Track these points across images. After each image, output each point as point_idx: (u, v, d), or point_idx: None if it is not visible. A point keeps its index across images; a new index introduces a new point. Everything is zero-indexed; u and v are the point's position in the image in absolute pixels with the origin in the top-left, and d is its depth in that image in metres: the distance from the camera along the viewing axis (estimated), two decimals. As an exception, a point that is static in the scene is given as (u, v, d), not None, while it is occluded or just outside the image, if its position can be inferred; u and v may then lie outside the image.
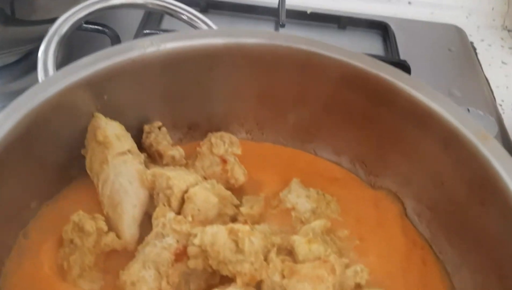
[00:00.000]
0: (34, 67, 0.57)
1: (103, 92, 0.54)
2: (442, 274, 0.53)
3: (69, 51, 0.79)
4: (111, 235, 0.49)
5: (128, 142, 0.54)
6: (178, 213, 0.50)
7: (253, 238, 0.45)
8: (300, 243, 0.48)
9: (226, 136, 0.59)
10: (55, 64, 0.55)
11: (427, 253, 0.55)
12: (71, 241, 0.49)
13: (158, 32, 0.84)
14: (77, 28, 0.62)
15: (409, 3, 1.11)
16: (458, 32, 1.06)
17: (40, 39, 0.59)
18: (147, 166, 0.54)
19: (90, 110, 0.54)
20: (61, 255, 0.49)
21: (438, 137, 0.52)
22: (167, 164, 0.57)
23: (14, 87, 0.78)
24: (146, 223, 0.51)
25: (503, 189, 0.46)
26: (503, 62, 1.01)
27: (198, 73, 0.58)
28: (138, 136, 0.58)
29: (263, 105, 0.62)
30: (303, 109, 0.62)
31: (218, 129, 0.61)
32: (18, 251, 0.49)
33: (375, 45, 0.98)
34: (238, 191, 0.56)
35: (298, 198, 0.57)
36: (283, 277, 0.45)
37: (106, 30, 0.80)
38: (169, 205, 0.50)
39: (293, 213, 0.56)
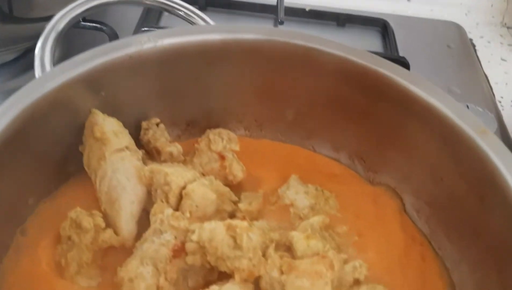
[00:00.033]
0: (32, 65, 0.57)
1: (100, 88, 0.53)
2: (441, 270, 0.53)
3: (67, 49, 0.79)
4: (109, 231, 0.49)
5: (125, 139, 0.54)
6: (176, 209, 0.50)
7: (251, 234, 0.45)
8: (298, 239, 0.48)
9: (224, 132, 0.59)
10: (52, 61, 0.55)
11: (426, 249, 0.55)
12: (69, 238, 0.49)
13: (156, 29, 0.84)
14: (75, 26, 0.62)
15: (408, 0, 1.11)
16: (457, 29, 1.06)
17: (38, 37, 0.59)
18: (145, 163, 0.54)
19: (87, 107, 0.53)
20: (58, 252, 0.49)
21: (437, 132, 0.52)
22: (165, 161, 0.57)
23: (12, 85, 0.78)
24: (144, 220, 0.51)
25: (502, 184, 0.46)
26: (502, 59, 1.01)
27: (196, 69, 0.58)
28: (136, 133, 0.58)
29: (262, 101, 0.62)
30: (302, 105, 0.62)
31: (216, 126, 0.61)
32: (15, 248, 0.49)
33: (374, 43, 0.98)
34: (236, 188, 0.56)
35: (297, 194, 0.56)
36: (282, 273, 0.45)
37: (104, 28, 0.80)
38: (167, 202, 0.50)
39: (291, 209, 0.55)
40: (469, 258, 0.51)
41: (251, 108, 0.63)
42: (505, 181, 0.46)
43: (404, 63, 0.85)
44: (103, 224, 0.49)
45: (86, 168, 0.54)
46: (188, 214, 0.49)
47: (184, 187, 0.50)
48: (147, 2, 0.65)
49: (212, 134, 0.58)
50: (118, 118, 0.55)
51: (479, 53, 1.01)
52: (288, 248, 0.48)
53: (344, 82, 0.57)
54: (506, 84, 0.95)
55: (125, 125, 0.55)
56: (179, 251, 0.46)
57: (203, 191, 0.50)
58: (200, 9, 0.71)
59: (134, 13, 0.91)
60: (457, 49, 1.00)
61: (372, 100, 0.56)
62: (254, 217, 0.53)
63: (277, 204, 0.56)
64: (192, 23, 0.65)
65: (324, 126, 0.62)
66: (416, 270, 0.52)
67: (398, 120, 0.56)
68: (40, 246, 0.49)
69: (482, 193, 0.49)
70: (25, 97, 0.47)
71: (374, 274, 0.49)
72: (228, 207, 0.53)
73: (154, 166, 0.52)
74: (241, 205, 0.53)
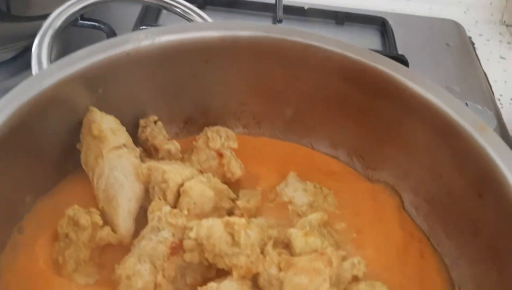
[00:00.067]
0: (30, 64, 0.57)
1: (98, 85, 0.53)
2: (440, 267, 0.53)
3: (65, 48, 0.79)
4: (106, 229, 0.49)
5: (123, 136, 0.54)
6: (174, 206, 0.49)
7: (249, 231, 0.45)
8: (297, 236, 0.48)
9: (223, 130, 0.59)
10: (49, 58, 0.55)
11: (425, 246, 0.55)
12: (66, 236, 0.49)
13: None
14: (73, 24, 0.62)
15: (407, -2, 1.11)
16: (456, 27, 1.05)
17: (36, 35, 0.58)
18: (142, 161, 0.54)
19: (85, 104, 0.53)
20: (56, 249, 0.49)
21: (435, 129, 0.52)
22: (163, 158, 0.57)
23: (10, 84, 0.77)
24: (141, 217, 0.50)
25: (500, 180, 0.46)
26: (501, 57, 1.01)
27: (193, 66, 0.58)
28: (134, 131, 0.58)
29: (260, 99, 0.62)
30: (300, 103, 0.61)
31: (214, 124, 0.60)
32: (12, 246, 0.49)
33: (373, 41, 0.98)
34: (234, 185, 0.56)
35: (295, 191, 0.56)
36: (280, 269, 0.45)
37: (102, 26, 0.80)
38: (165, 199, 0.50)
39: (290, 207, 0.55)
40: (468, 254, 0.51)
41: (249, 106, 0.63)
42: (504, 177, 0.46)
43: (403, 61, 0.84)
44: (100, 222, 0.49)
45: (83, 166, 0.54)
46: (186, 212, 0.49)
47: (182, 185, 0.50)
48: (145, -1, 0.65)
49: (210, 131, 0.58)
50: (116, 116, 0.54)
51: (478, 51, 1.01)
52: (286, 245, 0.48)
53: (342, 79, 0.57)
54: (505, 82, 0.95)
55: (123, 122, 0.55)
56: (177, 249, 0.46)
57: (201, 189, 0.50)
58: (199, 7, 0.70)
59: (133, 12, 0.91)
60: (456, 47, 1.00)
61: (370, 97, 0.56)
62: (252, 214, 0.53)
63: (276, 202, 0.56)
64: (190, 21, 0.65)
65: (322, 123, 0.62)
66: (415, 266, 0.52)
67: (397, 117, 0.55)
68: (37, 243, 0.49)
69: (481, 190, 0.49)
70: (22, 94, 0.47)
71: (372, 271, 0.49)
72: (226, 205, 0.52)
73: (151, 163, 0.52)
74: (239, 203, 0.53)
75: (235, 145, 0.58)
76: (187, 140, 0.60)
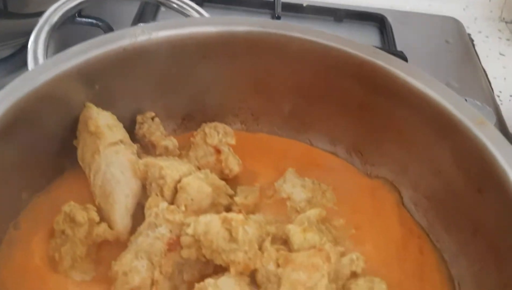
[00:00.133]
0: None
1: (94, 81, 0.53)
2: (439, 263, 0.53)
3: (63, 45, 0.79)
4: (103, 225, 0.49)
5: (120, 132, 0.53)
6: (171, 203, 0.49)
7: (247, 227, 0.45)
8: (295, 232, 0.47)
9: (220, 126, 0.58)
10: (45, 54, 0.55)
11: (424, 242, 0.54)
12: (63, 232, 0.48)
13: (152, 24, 0.83)
14: (70, 21, 0.61)
15: (406, -5, 1.10)
16: (456, 24, 1.05)
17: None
18: (140, 157, 0.54)
19: (81, 100, 0.53)
20: (52, 246, 0.49)
21: (434, 123, 0.52)
22: (160, 155, 0.56)
23: (8, 82, 0.77)
24: (138, 214, 0.50)
25: (500, 175, 0.46)
26: (500, 54, 1.01)
27: (191, 62, 0.57)
28: (131, 127, 0.57)
29: (258, 95, 0.62)
30: (298, 99, 0.61)
31: (212, 120, 0.60)
32: (8, 243, 0.49)
33: (372, 38, 0.98)
34: (232, 182, 0.55)
35: (293, 187, 0.56)
36: (278, 266, 0.44)
37: (100, 24, 0.79)
38: (162, 195, 0.50)
39: (288, 203, 0.55)
40: (467, 250, 0.51)
41: (247, 102, 0.63)
42: (503, 172, 0.46)
43: (402, 58, 0.84)
44: (97, 218, 0.49)
45: (80, 162, 0.53)
46: (183, 208, 0.48)
47: (179, 181, 0.50)
48: (142, -5, 0.64)
49: (207, 127, 0.58)
50: (113, 112, 0.54)
51: (477, 48, 1.01)
52: (284, 241, 0.48)
53: (340, 74, 0.57)
54: (505, 78, 0.95)
55: (120, 119, 0.54)
56: (174, 245, 0.46)
57: (199, 185, 0.50)
58: (197, 4, 0.70)
59: (131, 9, 0.91)
60: (455, 44, 0.99)
61: (369, 92, 0.56)
62: (250, 210, 0.53)
63: (274, 198, 0.56)
64: (186, 15, 0.64)
65: (321, 119, 0.62)
66: (414, 263, 0.52)
67: (396, 112, 0.55)
68: (33, 240, 0.49)
69: (481, 185, 0.49)
70: (17, 90, 0.47)
71: (371, 267, 0.48)
72: (224, 201, 0.52)
73: (148, 159, 0.52)
74: (237, 199, 0.53)
75: (233, 141, 0.58)
76: (184, 136, 0.60)
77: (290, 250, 0.47)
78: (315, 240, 0.47)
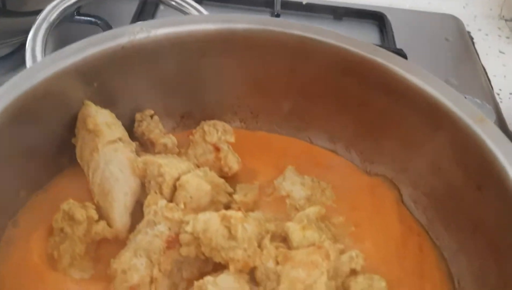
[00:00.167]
0: (25, 59, 0.57)
1: (93, 79, 0.53)
2: (439, 260, 0.52)
3: (62, 44, 0.78)
4: (102, 223, 0.49)
5: (119, 130, 0.53)
6: (170, 200, 0.49)
7: (246, 225, 0.45)
8: (294, 229, 0.47)
9: (219, 124, 0.58)
10: (43, 51, 0.55)
11: (424, 240, 0.54)
12: (61, 230, 0.48)
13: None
14: (69, 20, 0.61)
15: (406, -7, 1.10)
16: (455, 22, 1.05)
17: (31, 30, 0.58)
18: (139, 155, 0.53)
19: (80, 98, 0.53)
20: (51, 244, 0.48)
21: (434, 121, 0.52)
22: (159, 153, 0.56)
23: (7, 80, 0.77)
24: (137, 212, 0.50)
25: (500, 172, 0.46)
26: (500, 52, 1.01)
27: (190, 60, 0.57)
28: (130, 125, 0.57)
29: (257, 92, 0.62)
30: (298, 96, 0.61)
31: (212, 118, 0.60)
32: (7, 241, 0.49)
33: (371, 36, 0.97)
34: (232, 180, 0.55)
35: (293, 185, 0.56)
36: (277, 263, 0.44)
37: (99, 22, 0.79)
38: (161, 193, 0.49)
39: (287, 201, 0.55)
40: (467, 248, 0.51)
41: (247, 100, 0.63)
42: (503, 169, 0.45)
43: (401, 56, 0.83)
44: (96, 216, 0.49)
45: (78, 160, 0.53)
46: (182, 206, 0.48)
47: (178, 179, 0.50)
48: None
49: (206, 125, 0.58)
50: (111, 110, 0.54)
51: (477, 46, 1.01)
52: (284, 239, 0.48)
53: (340, 72, 0.56)
54: (505, 76, 0.94)
55: (119, 117, 0.54)
56: (173, 243, 0.46)
57: (198, 182, 0.50)
58: (196, 2, 0.70)
59: (130, 7, 0.91)
60: (455, 42, 0.99)
61: (368, 89, 0.56)
62: (249, 208, 0.53)
63: (273, 196, 0.56)
64: (185, 13, 0.64)
65: (320, 117, 0.61)
66: (414, 260, 0.52)
67: (395, 109, 0.55)
68: (32, 238, 0.48)
69: (480, 183, 0.49)
70: (15, 88, 0.46)
71: (371, 265, 0.48)
72: (223, 199, 0.52)
73: (147, 157, 0.51)
74: (237, 197, 0.53)
75: (232, 139, 0.57)
76: (183, 134, 0.60)
77: (289, 247, 0.46)
78: (314, 237, 0.47)
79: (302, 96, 0.61)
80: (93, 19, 0.79)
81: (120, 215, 0.49)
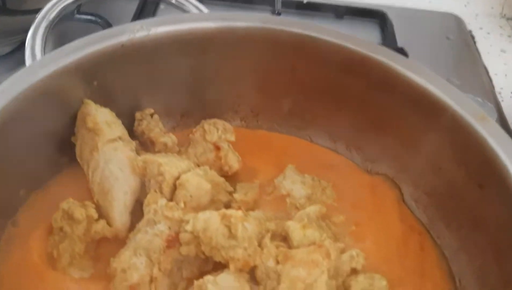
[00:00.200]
0: (25, 57, 0.56)
1: (92, 77, 0.53)
2: (440, 259, 0.52)
3: (62, 42, 0.78)
4: (102, 222, 0.49)
5: (118, 129, 0.53)
6: (170, 199, 0.49)
7: (247, 224, 0.45)
8: (294, 228, 0.47)
9: (220, 123, 0.58)
10: (43, 50, 0.54)
11: (425, 239, 0.54)
12: (61, 229, 0.48)
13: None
14: (69, 18, 0.61)
15: (407, -9, 1.10)
16: (456, 21, 1.04)
17: (31, 29, 0.58)
18: (139, 154, 0.53)
19: (79, 97, 0.53)
20: (50, 243, 0.48)
21: (435, 119, 0.51)
22: (159, 152, 0.56)
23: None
24: (137, 211, 0.50)
25: (502, 171, 0.45)
26: (502, 50, 1.00)
27: (190, 58, 0.57)
28: (130, 124, 0.57)
29: (258, 91, 0.61)
30: (298, 95, 0.61)
31: (212, 117, 0.60)
32: (7, 240, 0.49)
33: (372, 34, 0.97)
34: (232, 178, 0.55)
35: (293, 184, 0.56)
36: (278, 262, 0.44)
37: (99, 21, 0.79)
38: (161, 192, 0.49)
39: (288, 200, 0.55)
40: (468, 247, 0.51)
41: (247, 98, 0.62)
42: (505, 167, 0.45)
43: (403, 54, 0.83)
44: (95, 215, 0.49)
45: (78, 159, 0.53)
46: (182, 205, 0.48)
47: (178, 177, 0.50)
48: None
49: (207, 124, 0.57)
50: (111, 109, 0.54)
51: (478, 45, 1.00)
52: (284, 238, 0.48)
53: (341, 70, 0.56)
54: (506, 75, 0.94)
55: (119, 115, 0.54)
56: (173, 242, 0.46)
57: (198, 181, 0.49)
58: (197, 0, 0.69)
59: (130, 6, 0.90)
60: (456, 40, 0.99)
61: (369, 88, 0.56)
62: (250, 207, 0.53)
63: (273, 195, 0.55)
64: (185, 11, 0.64)
65: (321, 116, 0.61)
66: (415, 259, 0.52)
67: (396, 108, 0.55)
68: (31, 237, 0.48)
69: (482, 181, 0.48)
70: (14, 86, 0.46)
71: (371, 264, 0.48)
72: (224, 198, 0.52)
73: (147, 156, 0.51)
74: (237, 196, 0.53)
75: (232, 137, 0.57)
76: (183, 133, 0.59)
77: (289, 246, 0.46)
78: (314, 236, 0.46)
79: (303, 95, 0.61)
80: (93, 18, 0.78)
81: (120, 214, 0.49)
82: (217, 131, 0.57)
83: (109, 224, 0.49)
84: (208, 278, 0.43)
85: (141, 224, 0.47)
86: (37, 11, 0.63)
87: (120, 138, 0.52)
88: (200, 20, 0.56)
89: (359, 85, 0.56)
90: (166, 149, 0.56)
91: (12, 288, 0.46)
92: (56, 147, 0.53)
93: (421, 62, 0.85)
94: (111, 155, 0.51)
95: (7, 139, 0.47)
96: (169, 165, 0.50)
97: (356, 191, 0.57)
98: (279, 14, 0.91)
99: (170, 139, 0.57)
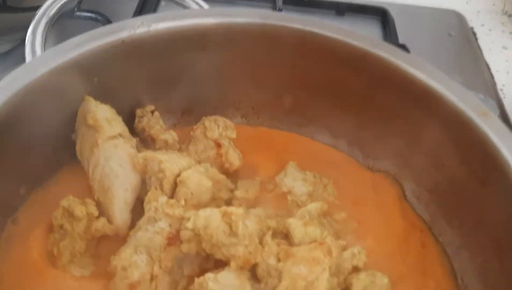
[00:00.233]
0: (25, 54, 0.56)
1: (93, 74, 0.52)
2: (442, 257, 0.52)
3: (62, 40, 0.78)
4: (102, 220, 0.48)
5: (119, 126, 0.53)
6: (171, 197, 0.49)
7: (247, 221, 0.44)
8: (296, 226, 0.47)
9: (221, 119, 0.58)
10: (43, 46, 0.54)
11: (426, 236, 0.54)
12: (61, 227, 0.48)
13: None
14: (70, 16, 0.60)
15: (408, -12, 1.09)
16: (458, 17, 1.04)
17: (31, 26, 0.58)
18: (139, 151, 0.53)
19: (80, 93, 0.52)
20: (51, 241, 0.48)
21: (437, 115, 0.51)
22: (160, 149, 0.56)
23: (7, 76, 0.77)
24: (138, 208, 0.50)
25: (504, 166, 0.45)
26: (503, 47, 1.00)
27: (190, 54, 0.57)
28: (130, 121, 0.57)
29: (259, 88, 0.61)
30: (299, 91, 0.60)
31: (213, 114, 0.59)
32: (7, 238, 0.49)
33: (374, 31, 0.97)
34: (233, 176, 0.55)
35: (294, 181, 0.55)
36: (279, 260, 0.44)
37: (100, 18, 0.79)
38: (162, 189, 0.49)
39: (289, 197, 0.55)
40: (470, 244, 0.50)
41: (248, 95, 0.62)
42: (507, 163, 0.45)
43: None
44: (96, 213, 0.48)
45: (78, 156, 0.53)
46: (183, 202, 0.48)
47: (178, 175, 0.49)
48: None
49: (208, 121, 0.57)
50: (112, 106, 0.54)
51: (480, 41, 1.00)
52: (285, 236, 0.48)
53: (342, 66, 0.56)
54: (507, 72, 0.94)
55: (119, 112, 0.54)
56: (174, 239, 0.45)
57: (198, 178, 0.49)
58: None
59: (131, 3, 0.90)
60: (458, 37, 0.99)
61: (371, 84, 0.55)
62: (251, 204, 0.52)
63: (274, 192, 0.55)
64: (185, 7, 0.64)
65: (322, 113, 0.61)
66: (416, 257, 0.52)
67: (398, 104, 0.55)
68: (32, 235, 0.48)
69: (484, 178, 0.48)
70: (14, 82, 0.46)
71: (373, 261, 0.48)
72: (224, 195, 0.52)
73: (148, 153, 0.51)
74: (238, 193, 0.52)
75: (233, 134, 0.57)
76: (184, 130, 0.59)
77: (291, 244, 0.46)
78: (316, 234, 0.46)
79: (304, 92, 0.60)
80: (93, 15, 0.78)
81: (120, 211, 0.49)
82: (218, 128, 0.57)
83: (109, 221, 0.49)
84: (209, 275, 0.43)
85: (141, 222, 0.47)
86: (37, 8, 0.63)
87: (120, 135, 0.52)
88: (201, 16, 0.56)
89: (360, 81, 0.56)
90: (166, 146, 0.56)
91: (12, 286, 0.46)
92: (56, 144, 0.53)
93: (422, 58, 0.85)
94: (111, 152, 0.51)
95: (7, 136, 0.46)
96: (170, 162, 0.50)
97: (357, 188, 0.56)
98: (280, 10, 0.91)
99: (170, 136, 0.56)
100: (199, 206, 0.48)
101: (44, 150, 0.52)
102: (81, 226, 0.48)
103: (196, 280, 0.43)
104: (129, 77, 0.55)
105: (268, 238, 0.45)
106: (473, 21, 1.05)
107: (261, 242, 0.45)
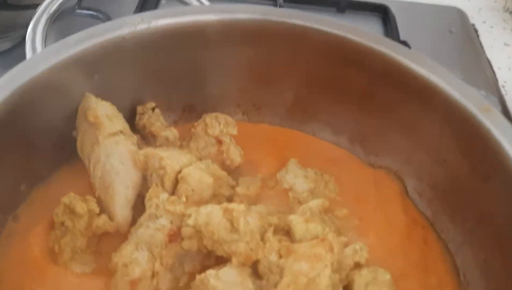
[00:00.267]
0: (26, 52, 0.56)
1: (93, 71, 0.52)
2: (444, 253, 0.52)
3: (63, 37, 0.78)
4: (103, 217, 0.48)
5: (120, 123, 0.52)
6: (172, 193, 0.49)
7: (249, 218, 0.44)
8: (297, 222, 0.47)
9: (222, 116, 0.58)
10: (43, 43, 0.54)
11: (428, 232, 0.54)
12: (62, 224, 0.48)
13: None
14: (70, 13, 0.60)
15: (410, -15, 1.09)
16: (460, 14, 1.04)
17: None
18: (140, 148, 0.53)
19: (80, 90, 0.52)
20: (52, 238, 0.48)
21: (439, 111, 0.51)
22: (161, 146, 0.56)
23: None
24: (139, 205, 0.50)
25: (506, 162, 0.45)
26: (505, 44, 1.00)
27: (191, 51, 0.57)
28: (131, 118, 0.57)
29: (260, 84, 0.61)
30: (301, 88, 0.60)
31: (214, 111, 0.59)
32: (8, 235, 0.49)
33: (375, 28, 0.96)
34: (234, 172, 0.55)
35: (296, 178, 0.55)
36: (280, 256, 0.44)
37: (100, 15, 0.79)
38: (163, 186, 0.49)
39: (290, 194, 0.55)
40: (472, 240, 0.50)
41: (249, 92, 0.62)
42: (509, 159, 0.45)
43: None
44: (97, 209, 0.48)
45: (79, 153, 0.53)
46: (184, 199, 0.48)
47: (179, 171, 0.49)
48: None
49: (209, 118, 0.57)
50: (113, 102, 0.53)
51: (481, 38, 0.99)
52: (287, 232, 0.47)
53: (343, 62, 0.56)
54: (509, 69, 0.93)
55: (120, 109, 0.54)
56: (175, 236, 0.45)
57: (200, 175, 0.49)
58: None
59: (131, 1, 0.90)
60: (459, 34, 0.98)
61: (372, 80, 0.55)
62: (252, 201, 0.52)
63: (276, 189, 0.55)
64: (186, 4, 0.63)
65: (323, 109, 0.61)
66: (418, 253, 0.51)
67: (399, 100, 0.54)
68: (33, 232, 0.48)
69: (486, 173, 0.48)
70: (14, 79, 0.46)
71: (375, 258, 0.48)
72: (226, 192, 0.52)
73: (148, 150, 0.51)
74: (239, 189, 0.52)
75: (234, 131, 0.57)
76: (185, 127, 0.59)
77: (292, 240, 0.46)
78: (317, 230, 0.46)
79: (305, 88, 0.60)
80: (94, 13, 0.78)
81: (121, 208, 0.49)
82: (219, 125, 0.57)
83: (110, 218, 0.49)
84: (210, 272, 0.43)
85: (142, 219, 0.47)
86: (37, 6, 0.63)
87: (121, 132, 0.52)
88: (201, 12, 0.56)
89: (361, 77, 0.56)
90: (167, 143, 0.56)
91: (13, 283, 0.45)
92: (57, 141, 0.52)
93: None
94: (112, 149, 0.50)
95: (7, 133, 0.46)
96: (171, 159, 0.50)
97: (359, 185, 0.56)
98: (280, 8, 0.90)
99: (171, 133, 0.56)
100: (200, 202, 0.48)
101: (45, 147, 0.52)
102: (82, 223, 0.47)
103: (198, 276, 0.43)
104: (129, 74, 0.55)
105: (269, 234, 0.45)
106: (474, 18, 1.05)
107: (262, 239, 0.45)
